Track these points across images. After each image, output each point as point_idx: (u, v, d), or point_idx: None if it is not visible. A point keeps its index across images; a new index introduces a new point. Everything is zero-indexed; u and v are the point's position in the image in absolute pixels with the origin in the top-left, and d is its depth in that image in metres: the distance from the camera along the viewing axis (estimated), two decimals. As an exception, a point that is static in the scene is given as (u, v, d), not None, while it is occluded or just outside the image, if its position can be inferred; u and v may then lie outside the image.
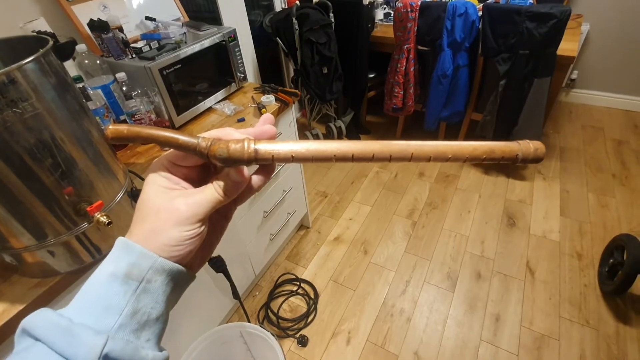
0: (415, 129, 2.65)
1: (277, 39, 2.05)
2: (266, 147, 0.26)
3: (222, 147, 0.25)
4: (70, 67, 1.06)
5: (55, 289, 0.72)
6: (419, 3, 1.95)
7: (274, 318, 1.52)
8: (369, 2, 2.26)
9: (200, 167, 0.29)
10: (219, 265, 1.01)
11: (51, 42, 0.60)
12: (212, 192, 0.26)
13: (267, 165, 0.29)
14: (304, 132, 2.50)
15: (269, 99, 1.28)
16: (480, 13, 1.85)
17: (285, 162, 0.26)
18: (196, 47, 1.17)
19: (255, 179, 0.29)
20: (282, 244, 1.79)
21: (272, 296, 1.60)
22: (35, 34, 0.90)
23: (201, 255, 0.30)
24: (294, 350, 1.41)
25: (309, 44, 1.96)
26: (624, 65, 2.55)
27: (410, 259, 1.73)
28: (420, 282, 1.62)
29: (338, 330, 1.46)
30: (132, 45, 1.13)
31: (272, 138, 0.28)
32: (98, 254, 0.74)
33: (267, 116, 0.30)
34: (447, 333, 1.42)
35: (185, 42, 1.18)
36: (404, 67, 2.15)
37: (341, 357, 1.38)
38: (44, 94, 0.57)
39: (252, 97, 1.37)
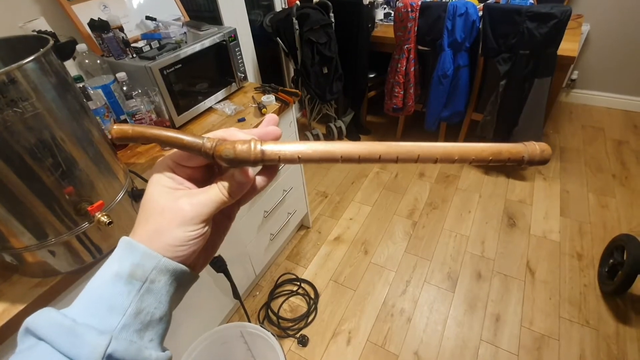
0: (415, 129, 2.65)
1: (278, 38, 2.05)
2: (273, 148, 0.25)
3: (228, 148, 0.25)
4: (71, 67, 1.06)
5: (55, 288, 0.72)
6: (420, 3, 1.95)
7: (274, 318, 1.52)
8: (369, 2, 2.26)
9: (204, 168, 0.29)
10: (219, 265, 1.01)
11: (52, 42, 0.60)
12: (216, 193, 0.26)
13: (270, 166, 0.29)
14: (304, 132, 2.50)
15: (269, 99, 1.28)
16: (480, 13, 1.85)
17: (292, 163, 0.26)
18: (196, 47, 1.17)
19: (259, 180, 0.29)
20: (282, 244, 1.79)
21: (272, 296, 1.60)
22: (35, 33, 0.90)
23: (204, 255, 0.30)
24: (295, 350, 1.41)
25: (309, 43, 1.96)
26: (624, 65, 2.56)
27: (410, 259, 1.73)
28: (421, 282, 1.62)
29: (338, 330, 1.46)
30: (132, 45, 1.13)
31: (276, 139, 0.28)
32: (99, 254, 0.74)
33: (272, 117, 0.30)
34: (447, 333, 1.42)
35: (186, 42, 1.18)
36: (404, 67, 2.15)
37: (341, 357, 1.38)
38: (45, 93, 0.57)
39: (253, 97, 1.37)
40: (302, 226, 1.96)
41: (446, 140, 2.43)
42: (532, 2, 1.92)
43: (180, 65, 1.13)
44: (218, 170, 0.30)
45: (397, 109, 2.33)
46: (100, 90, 1.06)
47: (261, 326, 1.09)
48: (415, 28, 2.02)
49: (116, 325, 0.23)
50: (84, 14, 1.11)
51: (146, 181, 0.93)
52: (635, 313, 1.42)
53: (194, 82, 1.22)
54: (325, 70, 2.08)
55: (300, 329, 1.48)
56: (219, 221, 0.30)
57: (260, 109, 1.26)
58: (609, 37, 2.49)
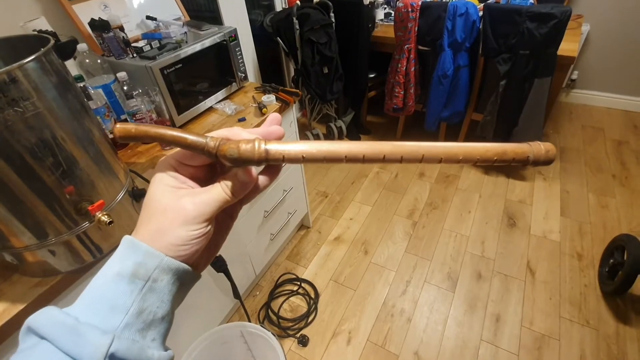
0: (415, 129, 2.65)
1: (278, 38, 2.05)
2: (277, 148, 0.25)
3: (232, 148, 0.25)
4: (71, 67, 1.06)
5: (56, 288, 0.72)
6: (420, 3, 1.95)
7: (274, 318, 1.51)
8: (370, 2, 2.26)
9: (207, 167, 0.29)
10: (219, 265, 1.01)
11: (53, 41, 0.60)
12: (219, 192, 0.26)
13: (273, 166, 0.29)
14: (304, 132, 2.50)
15: (269, 99, 1.28)
16: (480, 13, 1.85)
17: (296, 163, 0.26)
18: (197, 47, 1.17)
19: (262, 179, 0.29)
20: (282, 244, 1.79)
21: (272, 296, 1.60)
22: (36, 33, 0.90)
23: (207, 254, 0.30)
24: (295, 350, 1.41)
25: (309, 43, 1.96)
26: (624, 65, 2.56)
27: (410, 259, 1.73)
28: (421, 282, 1.62)
29: (338, 330, 1.46)
30: (133, 44, 1.13)
31: (279, 138, 0.28)
32: (99, 253, 0.74)
33: (275, 116, 0.30)
34: (448, 333, 1.42)
35: (186, 42, 1.18)
36: (404, 67, 2.15)
37: (341, 356, 1.38)
38: (45, 93, 0.57)
39: (253, 96, 1.37)
40: (302, 226, 1.96)
41: (446, 140, 2.43)
42: (532, 2, 1.92)
43: (180, 65, 1.13)
44: (220, 169, 0.30)
45: (398, 109, 2.33)
46: (100, 90, 1.06)
47: (261, 326, 1.09)
48: (416, 28, 2.02)
49: (118, 324, 0.22)
50: (84, 14, 1.10)
51: (147, 181, 0.93)
52: (635, 313, 1.42)
53: (194, 82, 1.22)
54: (326, 70, 2.08)
55: (301, 328, 1.48)
56: (222, 220, 0.30)
57: (261, 109, 1.26)
58: (609, 37, 2.50)
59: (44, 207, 0.61)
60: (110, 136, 0.91)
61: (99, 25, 1.07)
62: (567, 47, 1.80)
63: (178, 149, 0.27)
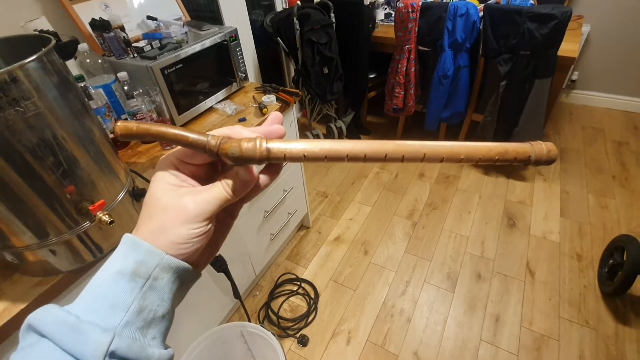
0: (415, 129, 2.65)
1: (278, 38, 2.05)
2: (279, 146, 0.25)
3: (234, 146, 0.25)
4: (72, 66, 1.06)
5: (56, 287, 0.72)
6: (420, 3, 1.95)
7: (274, 318, 1.52)
8: (370, 2, 2.26)
9: (208, 165, 0.29)
10: (219, 265, 1.01)
11: (54, 41, 0.60)
12: (220, 191, 0.26)
13: (274, 165, 0.29)
14: (304, 132, 2.50)
15: (270, 99, 1.28)
16: (481, 14, 1.85)
17: (298, 162, 0.26)
18: (197, 47, 1.17)
19: (263, 178, 0.29)
20: (282, 244, 1.79)
21: (272, 296, 1.60)
22: (37, 32, 0.90)
23: (207, 253, 0.30)
24: (295, 350, 1.41)
25: (309, 44, 1.96)
26: (625, 66, 2.56)
27: (410, 259, 1.73)
28: (420, 282, 1.62)
29: (338, 330, 1.46)
30: (133, 44, 1.13)
31: (281, 137, 0.28)
32: (99, 253, 0.74)
33: (276, 114, 0.30)
34: (447, 333, 1.42)
35: (187, 42, 1.18)
36: (404, 68, 2.15)
37: (341, 356, 1.38)
38: (46, 92, 0.57)
39: (253, 96, 1.37)
40: (302, 226, 1.96)
41: (446, 140, 2.43)
42: (533, 2, 1.92)
43: (181, 65, 1.13)
44: (221, 168, 0.30)
45: (398, 110, 2.33)
46: (101, 90, 1.06)
47: (261, 326, 1.09)
48: (416, 28, 2.02)
49: (119, 322, 0.23)
50: (85, 14, 1.11)
51: (147, 181, 0.93)
52: (634, 314, 1.42)
53: (194, 82, 1.22)
54: (326, 71, 2.08)
55: (300, 328, 1.48)
56: (222, 219, 0.30)
57: (261, 109, 1.27)
58: (609, 38, 2.50)
59: (45, 207, 0.62)
60: (111, 136, 0.91)
61: (100, 25, 1.07)
62: (568, 47, 1.80)
63: (179, 147, 0.27)
